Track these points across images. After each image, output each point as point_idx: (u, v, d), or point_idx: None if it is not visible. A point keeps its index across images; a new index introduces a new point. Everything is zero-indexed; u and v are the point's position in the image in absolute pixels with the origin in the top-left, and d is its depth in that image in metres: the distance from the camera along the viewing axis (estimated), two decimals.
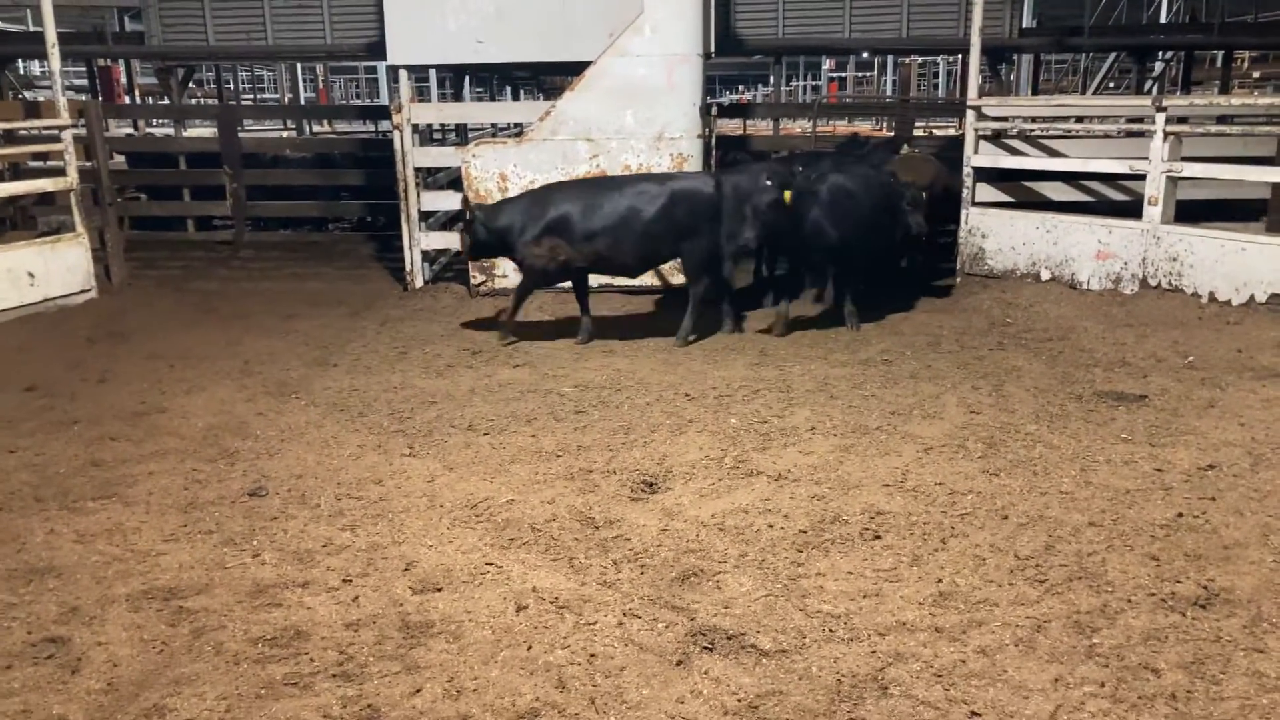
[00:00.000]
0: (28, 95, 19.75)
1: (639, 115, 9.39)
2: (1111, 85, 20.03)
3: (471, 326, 8.41)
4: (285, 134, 22.52)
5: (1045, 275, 9.15)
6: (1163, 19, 19.52)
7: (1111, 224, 8.78)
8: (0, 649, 3.65)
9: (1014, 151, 9.84)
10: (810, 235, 7.62)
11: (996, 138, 9.88)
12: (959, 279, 9.55)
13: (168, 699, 3.32)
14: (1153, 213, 8.44)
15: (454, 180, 11.69)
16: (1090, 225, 8.90)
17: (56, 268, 9.17)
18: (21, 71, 22.30)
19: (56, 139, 9.59)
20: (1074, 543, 4.27)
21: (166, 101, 16.87)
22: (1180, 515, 4.50)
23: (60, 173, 9.69)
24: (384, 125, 15.54)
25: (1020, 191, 10.09)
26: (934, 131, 19.43)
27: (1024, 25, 15.11)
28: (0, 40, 18.28)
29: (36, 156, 11.81)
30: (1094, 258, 8.81)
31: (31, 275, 8.92)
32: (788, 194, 7.33)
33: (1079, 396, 6.20)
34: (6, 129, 11.15)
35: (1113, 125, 9.92)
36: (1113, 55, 18.75)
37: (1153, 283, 8.47)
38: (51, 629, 3.78)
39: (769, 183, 7.47)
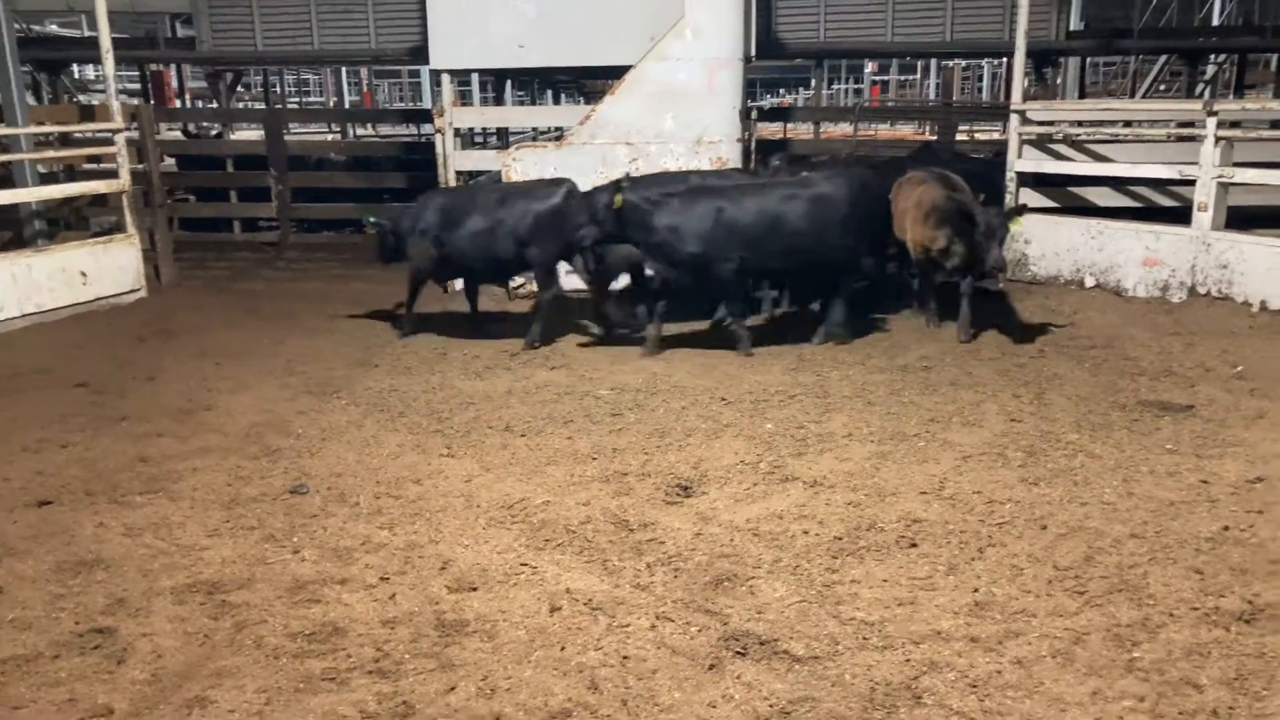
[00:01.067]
0: (82, 99, 20.28)
1: (679, 119, 9.41)
2: (1162, 89, 19.64)
3: (508, 328, 8.48)
4: (330, 137, 22.87)
5: (1090, 282, 9.01)
6: (1215, 21, 19.11)
7: (1159, 230, 8.62)
8: (48, 638, 3.75)
9: (1059, 156, 9.70)
10: (657, 247, 7.28)
11: (1041, 142, 9.75)
12: (1001, 284, 9.42)
13: (209, 690, 3.39)
14: (1202, 219, 8.27)
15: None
16: (1137, 231, 8.74)
17: (108, 267, 9.40)
18: (76, 75, 22.91)
19: (110, 142, 9.84)
20: (1115, 554, 4.20)
21: (215, 105, 17.22)
22: (1226, 528, 4.41)
23: (113, 175, 9.94)
24: (426, 129, 15.70)
25: (1065, 196, 9.94)
26: (976, 136, 19.20)
27: (1071, 28, 14.88)
28: (56, 45, 18.80)
29: (90, 158, 12.14)
30: (1141, 264, 8.65)
31: (84, 274, 9.16)
32: (618, 199, 7.12)
33: (1123, 405, 6.09)
34: (62, 132, 11.47)
35: (1162, 130, 9.73)
36: (1163, 58, 18.40)
37: (1202, 290, 8.29)
38: (98, 620, 3.88)
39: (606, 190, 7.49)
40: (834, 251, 7.47)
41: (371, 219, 8.33)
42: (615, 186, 7.29)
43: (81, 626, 3.83)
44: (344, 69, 26.86)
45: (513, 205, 7.89)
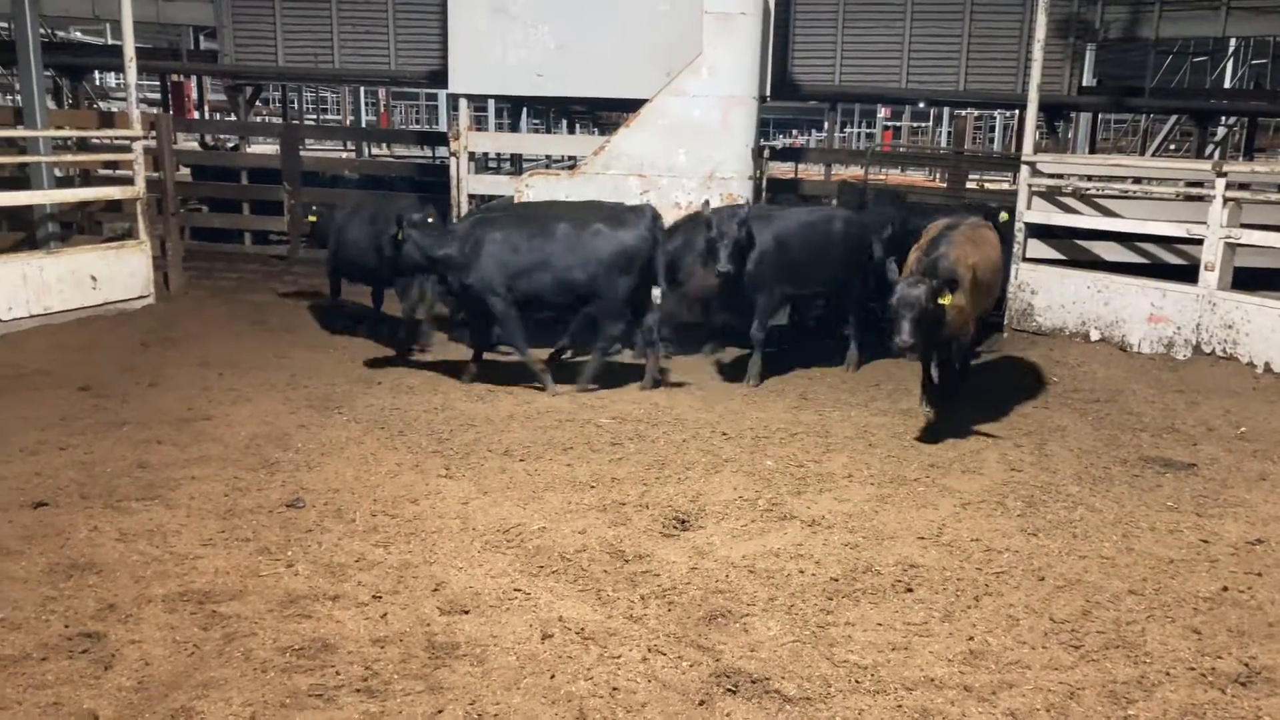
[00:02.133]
0: (102, 106, 20.49)
1: (692, 154, 9.48)
2: (1172, 148, 19.81)
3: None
4: (344, 155, 23.05)
5: (1095, 335, 9.02)
6: (1227, 84, 19.31)
7: (1166, 287, 8.65)
8: (37, 640, 3.73)
9: (1067, 209, 9.76)
10: (441, 279, 7.38)
11: (1050, 194, 9.82)
12: (1005, 334, 9.45)
13: (195, 701, 3.36)
14: (1209, 278, 8.31)
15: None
16: (1143, 287, 8.77)
17: (119, 272, 9.44)
18: (98, 82, 23.15)
19: (128, 149, 9.92)
20: (1112, 610, 4.18)
21: (233, 118, 17.38)
22: (1225, 589, 4.38)
23: (128, 181, 10.01)
24: (441, 151, 15.86)
25: (1072, 249, 9.99)
26: (985, 185, 19.34)
27: (1084, 83, 15.04)
28: (80, 52, 19.02)
29: (106, 164, 12.23)
30: (1146, 320, 8.67)
31: (94, 278, 9.20)
32: (399, 233, 7.17)
33: (1124, 460, 6.08)
34: (81, 137, 11.57)
35: (1171, 188, 9.80)
36: (1174, 118, 18.57)
37: (1206, 349, 8.31)
38: (88, 624, 3.85)
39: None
40: (605, 291, 7.24)
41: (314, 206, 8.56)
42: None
43: (71, 630, 3.80)
44: (362, 88, 27.13)
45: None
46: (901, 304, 5.98)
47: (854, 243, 8.31)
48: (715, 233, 7.23)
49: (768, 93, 10.45)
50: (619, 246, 7.24)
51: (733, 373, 7.92)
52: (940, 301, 6.13)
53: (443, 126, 26.27)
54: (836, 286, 8.36)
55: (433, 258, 7.21)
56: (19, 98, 10.37)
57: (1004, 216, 8.91)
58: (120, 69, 10.95)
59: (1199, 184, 9.23)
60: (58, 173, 10.66)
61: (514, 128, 20.68)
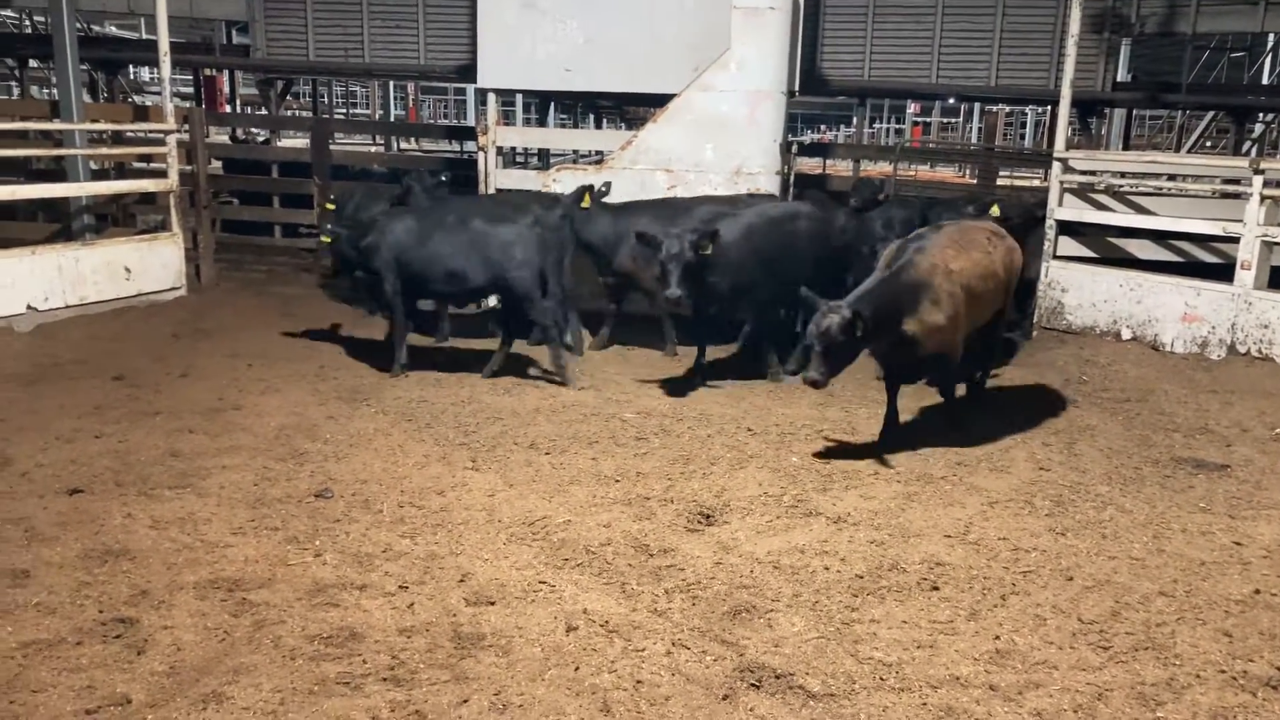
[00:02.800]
0: (136, 99, 20.76)
1: (719, 149, 9.46)
2: (1208, 145, 19.49)
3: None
4: (373, 149, 23.20)
5: (1126, 334, 8.91)
6: (1265, 80, 18.97)
7: (1200, 286, 8.52)
8: (72, 625, 3.80)
9: (1100, 206, 9.64)
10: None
11: (1082, 191, 9.70)
12: (1035, 333, 9.35)
13: (226, 686, 3.42)
14: (1245, 277, 8.18)
15: None
16: (1177, 286, 8.65)
17: (152, 264, 9.57)
18: (132, 76, 23.45)
19: (161, 142, 10.05)
20: (1142, 611, 4.13)
21: (265, 111, 17.55)
22: (1257, 592, 4.32)
23: (162, 174, 10.14)
24: (469, 146, 15.89)
25: (1104, 247, 9.86)
26: (1016, 182, 19.15)
27: (1118, 79, 14.82)
28: (115, 46, 19.27)
29: (141, 157, 12.40)
30: (1179, 320, 8.55)
31: (128, 270, 9.33)
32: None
33: (1156, 461, 6.01)
34: (116, 130, 11.74)
35: (1206, 185, 9.65)
36: (1210, 114, 18.27)
37: (1241, 349, 8.18)
38: (121, 610, 3.92)
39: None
40: (495, 282, 7.40)
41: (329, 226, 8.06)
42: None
43: (105, 615, 3.87)
44: (392, 83, 27.27)
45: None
46: (812, 335, 5.57)
47: (820, 240, 7.82)
48: (664, 254, 6.69)
49: (796, 88, 10.40)
50: (497, 242, 7.33)
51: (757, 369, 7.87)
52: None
53: (471, 121, 26.36)
54: (808, 284, 7.93)
55: (357, 249, 7.51)
56: (56, 91, 10.54)
57: (995, 210, 8.37)
58: (155, 63, 11.07)
59: (1235, 181, 9.07)
60: (93, 166, 10.82)
61: (541, 122, 20.69)
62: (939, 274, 5.80)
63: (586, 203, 8.46)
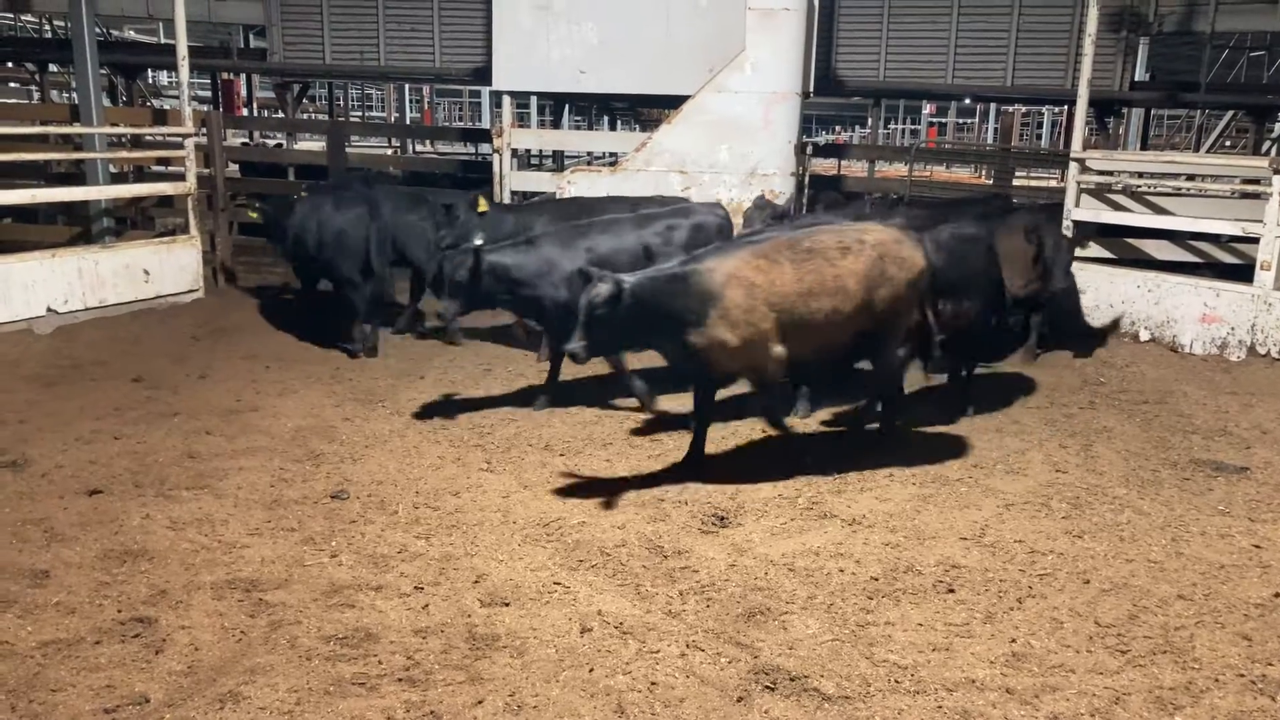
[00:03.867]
0: (155, 103, 20.93)
1: (734, 150, 9.47)
2: (1227, 144, 19.31)
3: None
4: (389, 151, 23.30)
5: (1145, 336, 8.85)
6: None
7: (1219, 286, 8.46)
8: (91, 625, 3.84)
9: (1117, 206, 9.58)
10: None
11: (1100, 192, 9.64)
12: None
13: (243, 686, 3.44)
14: (1265, 278, 8.11)
15: None
16: (1196, 287, 8.58)
17: (170, 267, 9.65)
18: (150, 80, 23.65)
19: (180, 146, 10.13)
20: (1160, 614, 4.10)
21: (281, 114, 17.66)
22: (1277, 595, 4.28)
23: (180, 177, 10.22)
24: (484, 148, 15.96)
25: (1121, 248, 9.80)
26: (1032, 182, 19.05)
27: (1136, 78, 14.71)
28: (134, 50, 19.43)
29: (159, 161, 12.50)
30: (1198, 321, 8.49)
31: (147, 272, 9.41)
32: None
33: (1174, 463, 5.96)
34: (135, 134, 11.85)
35: (1225, 185, 9.57)
36: (1229, 113, 18.10)
37: (1262, 351, 8.11)
38: (140, 609, 3.96)
39: None
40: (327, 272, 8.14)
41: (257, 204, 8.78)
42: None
43: (123, 615, 3.91)
44: (407, 86, 27.40)
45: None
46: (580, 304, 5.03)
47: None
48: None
49: (811, 89, 10.39)
50: (333, 229, 7.87)
51: None
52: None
53: (486, 123, 26.45)
54: None
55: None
56: (76, 95, 10.64)
57: (483, 205, 8.02)
58: (173, 67, 11.18)
59: (1255, 181, 9.00)
60: (112, 169, 10.91)
61: (556, 124, 20.74)
62: (735, 287, 4.99)
63: (483, 206, 8.35)
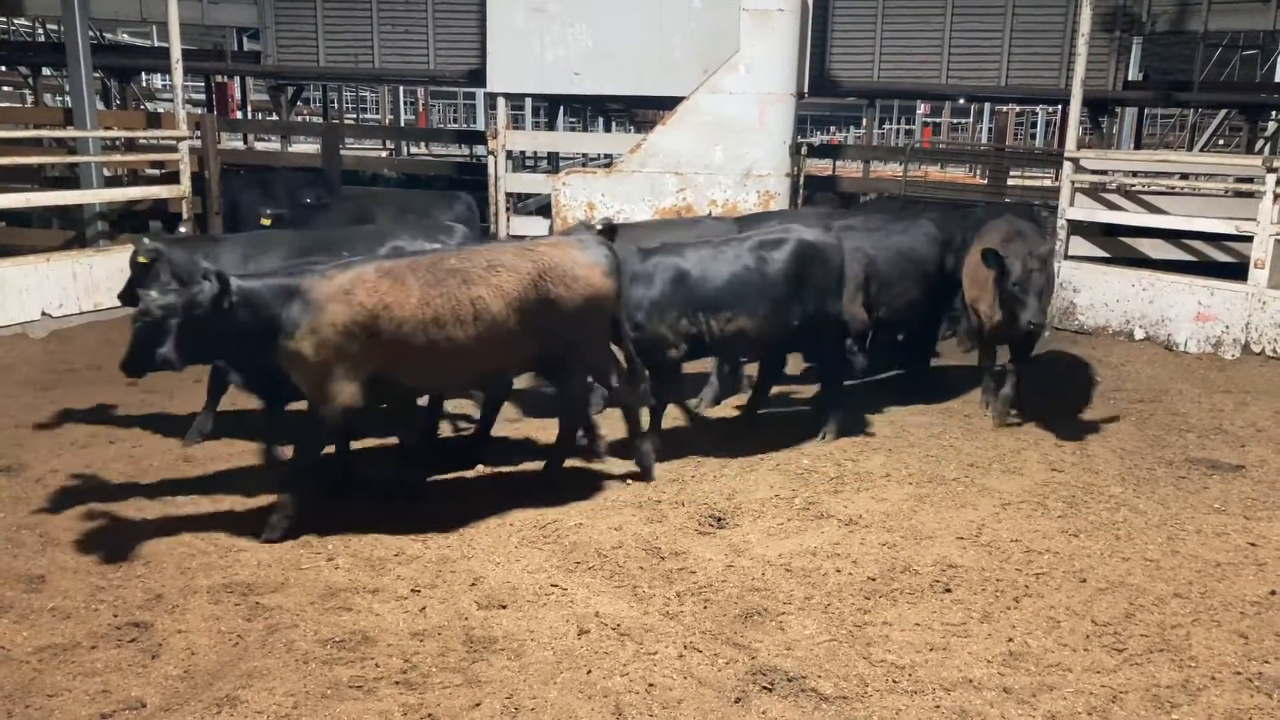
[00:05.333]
0: (148, 106, 20.89)
1: (729, 151, 9.47)
2: (1220, 143, 19.37)
3: None
4: (383, 154, 23.28)
5: (1139, 334, 8.87)
6: (1277, 77, 18.84)
7: (1214, 285, 8.48)
8: (87, 629, 3.82)
9: (1111, 205, 9.60)
10: None
11: (1094, 191, 9.66)
12: (1047, 334, 9.31)
13: (240, 690, 3.43)
14: (1259, 276, 8.13)
15: (543, 207, 11.91)
16: (1190, 286, 8.61)
17: None
18: (144, 83, 23.60)
19: (174, 149, 10.11)
20: (1156, 613, 4.11)
21: (275, 117, 17.65)
22: (1273, 593, 4.29)
23: (174, 180, 10.19)
24: (479, 150, 15.95)
25: (1116, 247, 9.82)
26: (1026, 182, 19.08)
27: (1129, 77, 14.75)
28: (128, 54, 19.40)
29: (153, 164, 12.46)
30: (1193, 319, 8.51)
31: None
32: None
33: (1169, 461, 5.97)
34: (129, 137, 11.81)
35: (1219, 184, 9.60)
36: (1223, 112, 18.16)
37: (1256, 349, 8.13)
38: (136, 614, 3.94)
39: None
40: None
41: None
42: None
43: (120, 619, 3.89)
44: (401, 88, 27.38)
45: None
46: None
47: None
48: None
49: (805, 89, 10.40)
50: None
51: None
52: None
53: (480, 125, 26.43)
54: None
55: None
56: (69, 99, 10.60)
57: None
58: (167, 70, 11.15)
59: (1249, 180, 9.02)
60: (106, 172, 10.88)
61: (550, 126, 20.74)
62: (337, 302, 4.50)
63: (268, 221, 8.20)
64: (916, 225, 7.37)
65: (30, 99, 19.15)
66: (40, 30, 20.57)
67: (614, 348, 5.41)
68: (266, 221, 8.51)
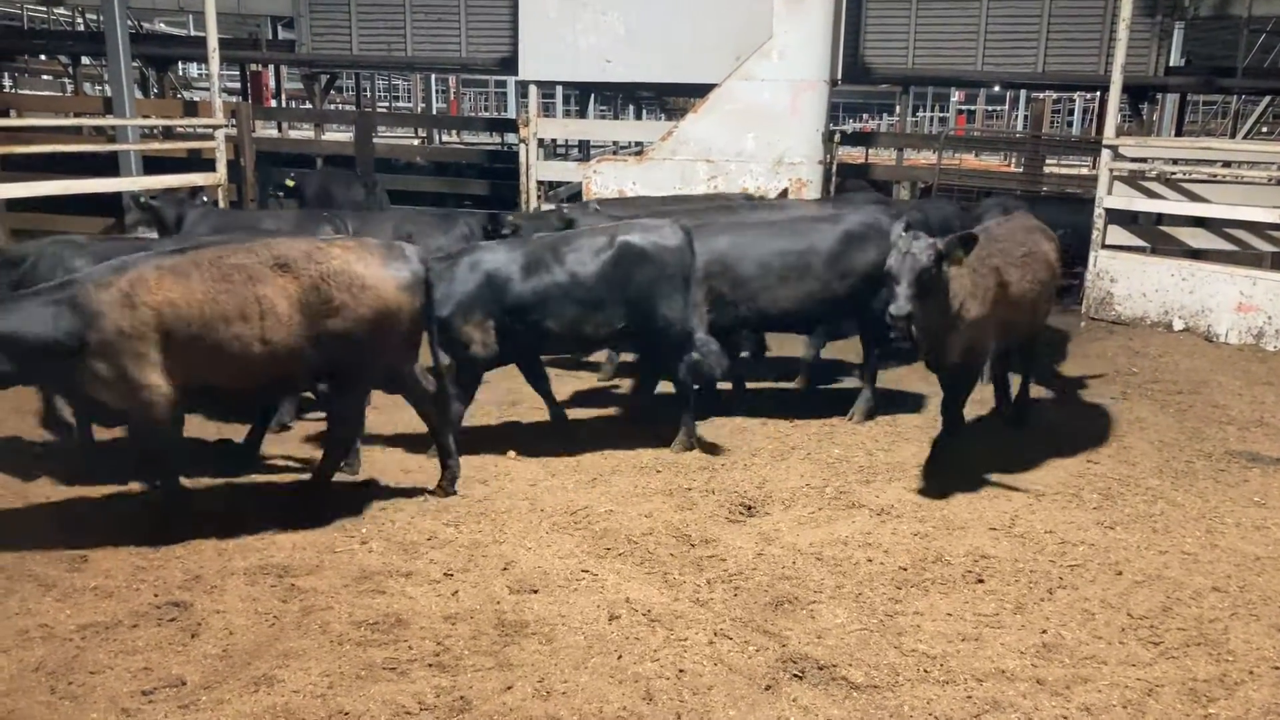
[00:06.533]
0: (185, 95, 21.14)
1: (760, 139, 9.42)
2: (1264, 130, 18.95)
3: None
4: (415, 142, 23.40)
5: (1178, 325, 8.73)
6: None
7: (1256, 275, 8.33)
8: (128, 608, 3.90)
9: (1151, 194, 9.44)
10: None
11: (1133, 179, 9.50)
12: (1083, 324, 9.19)
13: (277, 670, 3.49)
14: None
15: (574, 195, 11.92)
16: (1232, 275, 8.46)
17: None
18: (181, 72, 23.90)
19: (210, 137, 10.22)
20: (1194, 606, 4.05)
21: (309, 105, 17.79)
22: None
23: (211, 168, 10.31)
24: (510, 138, 15.99)
25: (1155, 235, 9.66)
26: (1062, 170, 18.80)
27: (1171, 63, 14.46)
28: (165, 43, 19.64)
29: (190, 152, 12.61)
30: (1234, 309, 8.36)
31: None
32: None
33: (1208, 454, 5.88)
34: (166, 125, 11.98)
35: (1262, 172, 9.41)
36: (1266, 99, 17.76)
37: None
38: (175, 594, 4.02)
39: None
40: None
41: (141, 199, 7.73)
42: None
43: (160, 599, 3.97)
44: (433, 76, 27.48)
45: None
46: None
47: None
48: None
49: (839, 76, 10.31)
50: None
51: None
52: None
53: (511, 113, 26.47)
54: None
55: None
56: (108, 88, 10.76)
57: None
58: (203, 59, 11.27)
59: None
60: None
61: (581, 114, 20.72)
62: (118, 307, 4.21)
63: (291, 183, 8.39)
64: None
65: (70, 88, 19.43)
66: (80, 20, 20.86)
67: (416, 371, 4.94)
68: (290, 183, 8.62)
